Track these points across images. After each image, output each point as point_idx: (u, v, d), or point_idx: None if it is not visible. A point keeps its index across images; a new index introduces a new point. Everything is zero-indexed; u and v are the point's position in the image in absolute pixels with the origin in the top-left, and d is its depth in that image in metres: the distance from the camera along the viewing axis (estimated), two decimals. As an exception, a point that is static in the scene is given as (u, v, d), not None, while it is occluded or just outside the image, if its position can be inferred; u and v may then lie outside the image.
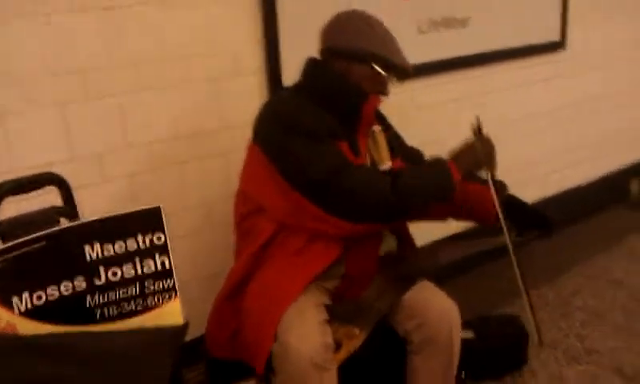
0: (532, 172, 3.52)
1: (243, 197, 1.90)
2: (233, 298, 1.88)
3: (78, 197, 2.05)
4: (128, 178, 2.17)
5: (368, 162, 1.87)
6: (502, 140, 3.26)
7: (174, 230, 2.33)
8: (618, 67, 3.83)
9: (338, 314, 1.81)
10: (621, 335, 2.67)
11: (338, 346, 1.73)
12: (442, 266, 1.93)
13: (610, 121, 3.88)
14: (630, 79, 3.92)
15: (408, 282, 1.83)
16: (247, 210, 1.87)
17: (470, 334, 2.47)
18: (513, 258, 1.87)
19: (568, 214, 3.77)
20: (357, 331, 1.74)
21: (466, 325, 2.51)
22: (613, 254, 3.46)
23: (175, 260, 2.36)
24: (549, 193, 3.64)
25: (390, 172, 1.82)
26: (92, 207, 1.71)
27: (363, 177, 1.73)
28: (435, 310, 1.75)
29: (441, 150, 1.88)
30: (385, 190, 1.70)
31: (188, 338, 2.12)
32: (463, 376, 2.42)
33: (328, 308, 1.81)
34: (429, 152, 2.20)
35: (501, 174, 1.93)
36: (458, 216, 2.12)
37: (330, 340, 1.67)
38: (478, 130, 1.86)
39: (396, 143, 2.01)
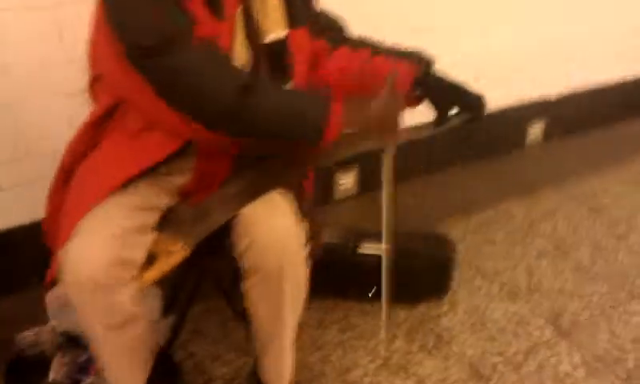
0: (532, 64, 3.01)
1: (88, 56, 1.55)
2: (65, 180, 1.58)
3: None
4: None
5: (239, 28, 1.45)
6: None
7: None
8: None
9: (170, 220, 1.49)
10: (577, 278, 2.29)
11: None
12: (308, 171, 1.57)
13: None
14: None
15: (258, 189, 1.46)
16: (91, 75, 1.53)
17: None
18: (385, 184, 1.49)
19: (574, 121, 3.28)
20: (178, 246, 1.42)
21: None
22: (612, 174, 2.99)
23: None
24: (554, 90, 3.14)
25: (252, 71, 1.42)
26: None
27: (205, 61, 1.31)
28: (266, 230, 1.38)
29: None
30: (228, 91, 1.30)
31: None
32: (369, 295, 2.13)
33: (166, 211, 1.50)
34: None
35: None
36: None
37: (131, 255, 1.34)
38: (389, 88, 1.40)
39: (300, 4, 1.59)
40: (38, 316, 1.88)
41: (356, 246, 2.15)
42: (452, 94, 1.58)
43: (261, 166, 1.52)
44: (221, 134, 1.35)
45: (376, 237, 2.18)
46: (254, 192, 1.46)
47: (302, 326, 2.02)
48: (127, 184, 1.41)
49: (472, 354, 1.94)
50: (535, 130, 3.22)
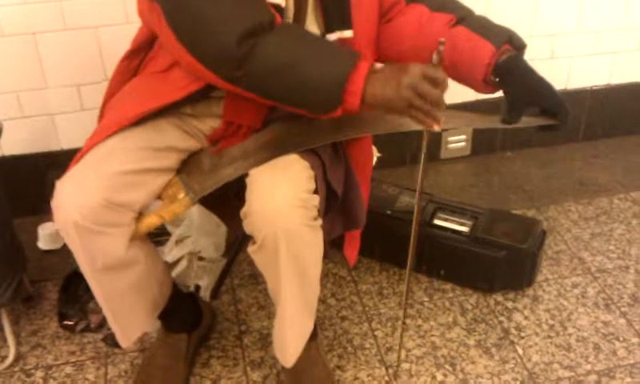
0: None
1: None
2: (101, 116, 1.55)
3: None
4: None
5: None
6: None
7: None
8: None
9: (189, 165, 1.41)
10: None
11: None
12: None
13: None
14: None
15: (278, 149, 1.33)
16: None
17: (464, 228, 1.91)
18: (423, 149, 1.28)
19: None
20: (181, 195, 1.34)
21: (468, 214, 1.95)
22: None
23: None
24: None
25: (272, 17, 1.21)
26: None
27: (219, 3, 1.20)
28: (263, 201, 1.25)
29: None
30: (231, 33, 1.15)
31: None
32: (442, 273, 1.94)
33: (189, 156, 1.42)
34: None
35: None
36: None
37: (128, 198, 1.26)
38: (435, 59, 1.16)
39: None
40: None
41: (432, 217, 1.94)
42: (535, 92, 1.34)
43: (290, 123, 1.38)
44: (223, 83, 1.23)
45: (459, 211, 1.97)
46: (273, 151, 1.33)
47: (359, 294, 1.91)
48: (146, 121, 1.35)
49: (536, 362, 1.70)
50: None
